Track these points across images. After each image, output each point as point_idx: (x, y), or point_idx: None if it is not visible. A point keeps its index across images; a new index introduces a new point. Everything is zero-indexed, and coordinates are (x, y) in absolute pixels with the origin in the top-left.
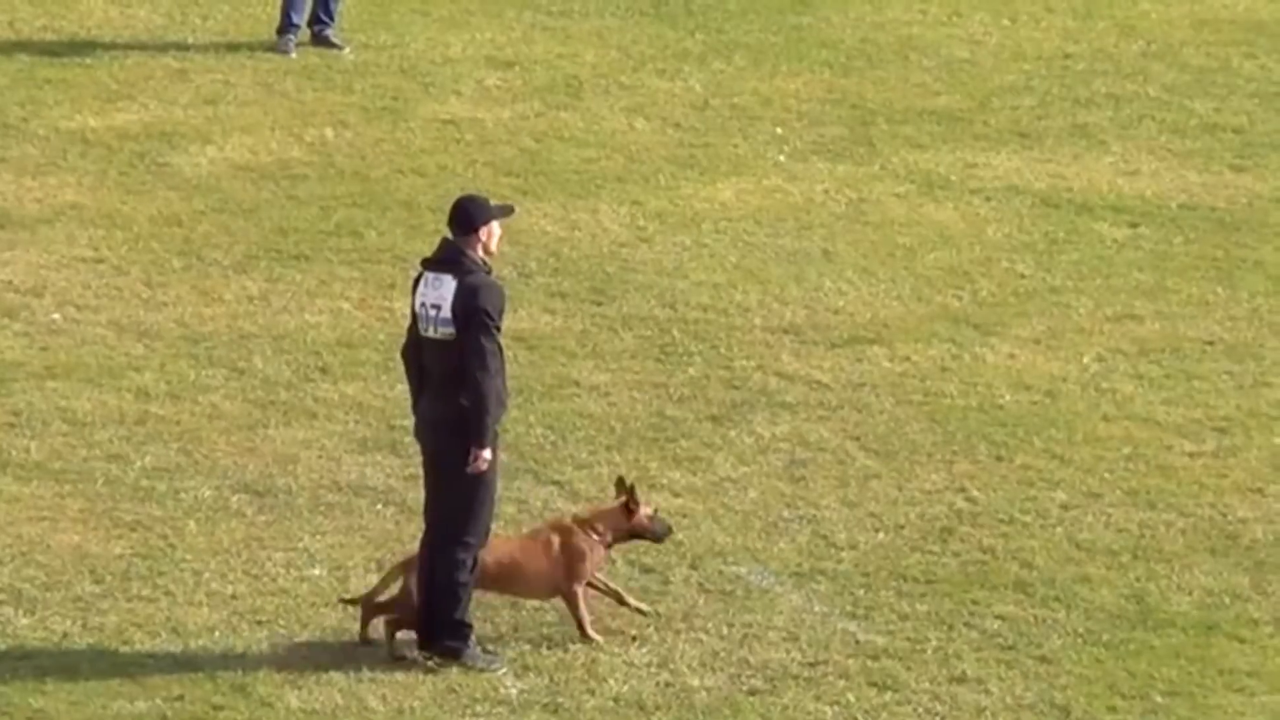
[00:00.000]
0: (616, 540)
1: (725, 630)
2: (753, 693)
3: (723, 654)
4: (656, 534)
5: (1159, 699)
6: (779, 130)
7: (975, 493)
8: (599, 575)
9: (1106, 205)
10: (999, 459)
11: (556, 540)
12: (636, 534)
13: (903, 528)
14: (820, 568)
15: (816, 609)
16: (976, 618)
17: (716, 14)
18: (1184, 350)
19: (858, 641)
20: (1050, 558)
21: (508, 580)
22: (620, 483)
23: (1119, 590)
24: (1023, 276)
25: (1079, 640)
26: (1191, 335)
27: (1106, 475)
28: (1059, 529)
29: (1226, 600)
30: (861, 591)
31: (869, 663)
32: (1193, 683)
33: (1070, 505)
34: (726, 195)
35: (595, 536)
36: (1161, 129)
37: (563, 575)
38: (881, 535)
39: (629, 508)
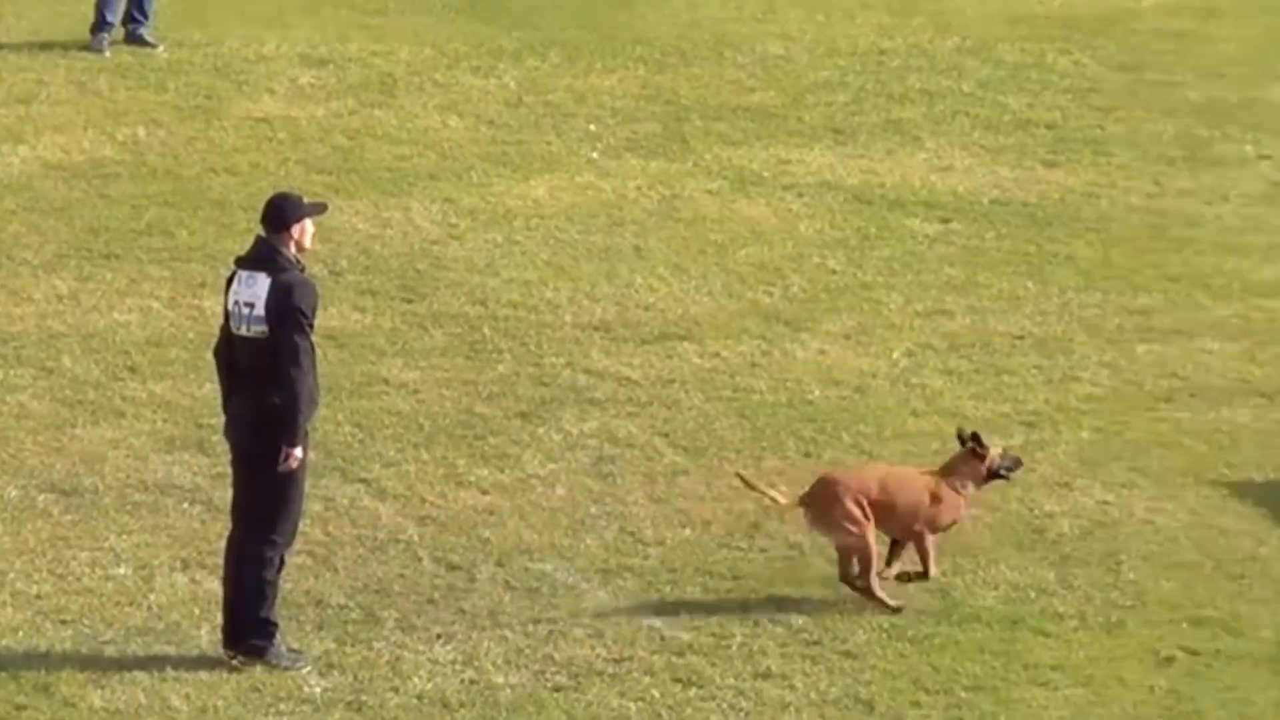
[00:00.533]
0: (976, 489)
1: (530, 627)
2: (557, 689)
3: (527, 651)
4: (1011, 469)
5: (963, 693)
6: (592, 127)
7: (784, 488)
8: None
9: (919, 201)
10: (808, 455)
11: (937, 485)
12: (992, 476)
13: (710, 524)
14: (627, 564)
15: (622, 605)
16: (782, 614)
17: (531, 11)
18: (994, 345)
19: (663, 638)
20: None
21: (881, 511)
22: (961, 432)
23: (924, 585)
24: (834, 272)
25: (884, 635)
26: (1001, 330)
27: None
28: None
29: (1032, 595)
30: (668, 588)
31: (674, 659)
32: (997, 677)
33: None
34: (539, 192)
35: (958, 492)
36: (975, 125)
37: (926, 520)
38: (688, 531)
39: (977, 452)
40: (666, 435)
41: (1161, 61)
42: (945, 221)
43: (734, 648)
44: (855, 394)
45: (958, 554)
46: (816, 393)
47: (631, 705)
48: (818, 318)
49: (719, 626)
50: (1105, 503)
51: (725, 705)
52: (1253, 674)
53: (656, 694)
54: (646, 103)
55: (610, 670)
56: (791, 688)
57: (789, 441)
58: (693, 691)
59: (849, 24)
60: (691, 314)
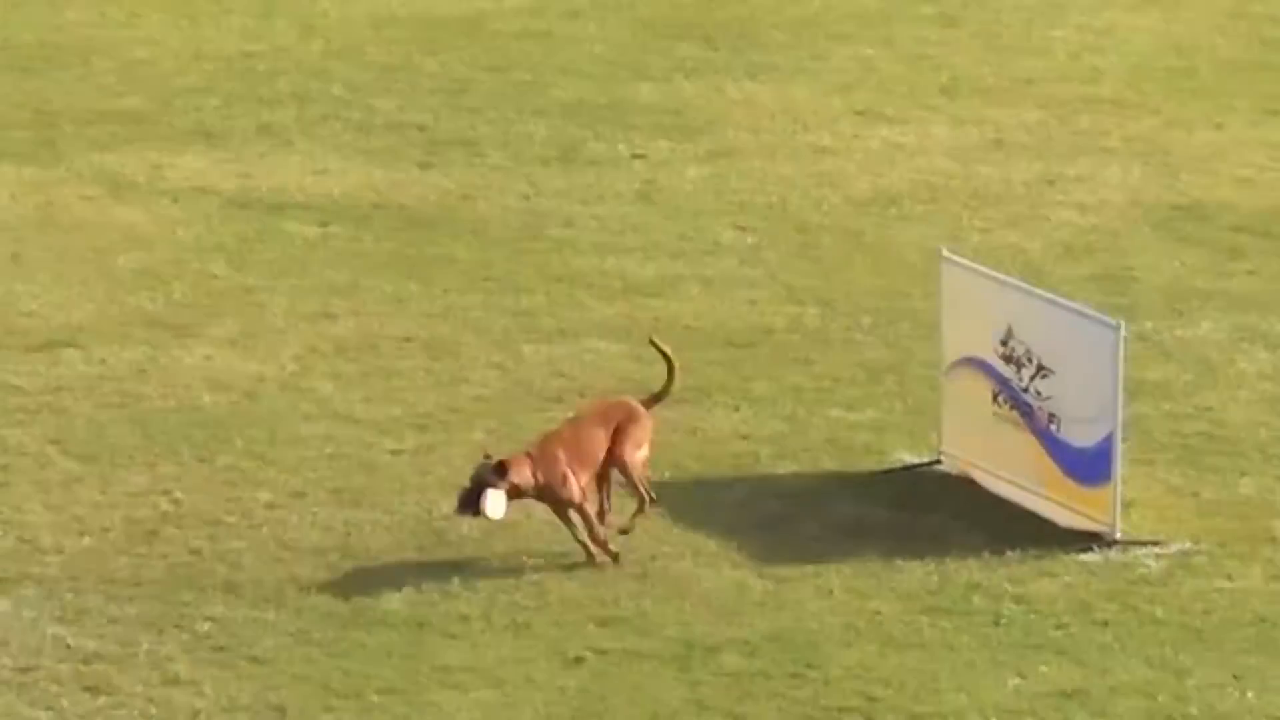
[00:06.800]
0: None
1: None
2: None
3: None
4: None
5: (374, 697)
6: None
7: (179, 494)
8: None
9: (297, 204)
10: (201, 460)
11: None
12: None
13: (109, 530)
14: (27, 572)
15: (25, 614)
16: (187, 619)
17: None
18: (381, 348)
19: (69, 646)
20: (258, 558)
21: None
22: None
23: (328, 589)
24: (216, 277)
25: (291, 640)
26: (387, 333)
27: (310, 474)
28: (265, 529)
29: (436, 597)
30: (70, 595)
31: (81, 667)
32: (407, 680)
33: (275, 505)
34: None
35: None
36: (347, 127)
37: None
38: (87, 539)
39: None
40: (58, 442)
41: (529, 62)
42: (324, 225)
43: (141, 655)
44: (245, 399)
45: (359, 558)
46: (207, 398)
47: (41, 714)
48: (203, 323)
49: (124, 634)
50: None
51: (135, 713)
52: (661, 671)
53: (65, 703)
54: (15, 109)
55: (18, 680)
56: (201, 694)
57: (183, 447)
58: (102, 699)
59: (213, 28)
60: (75, 321)
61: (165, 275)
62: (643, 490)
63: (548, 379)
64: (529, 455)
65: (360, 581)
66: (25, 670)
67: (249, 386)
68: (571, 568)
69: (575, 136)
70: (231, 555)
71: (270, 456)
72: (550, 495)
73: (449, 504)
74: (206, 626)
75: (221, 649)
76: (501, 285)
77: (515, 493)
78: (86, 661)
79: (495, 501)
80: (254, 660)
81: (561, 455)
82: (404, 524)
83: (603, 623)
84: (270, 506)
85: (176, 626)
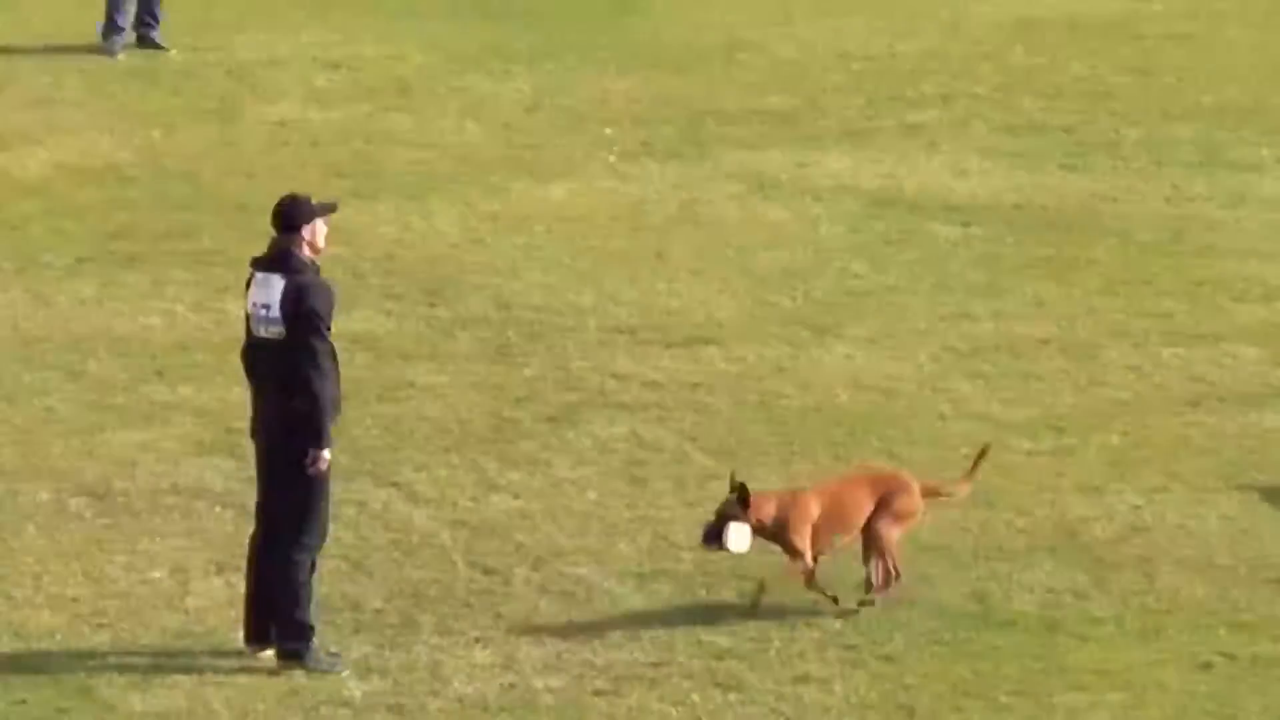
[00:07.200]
0: None
1: (568, 631)
2: (598, 693)
3: (566, 655)
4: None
5: (1003, 698)
6: (609, 131)
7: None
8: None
9: (938, 205)
10: (837, 458)
11: None
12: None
13: None
14: (662, 569)
15: (659, 610)
16: (819, 617)
17: (545, 16)
18: (1019, 349)
19: (701, 642)
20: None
21: None
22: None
23: (961, 590)
24: (857, 276)
25: (922, 640)
26: (1026, 334)
27: (944, 474)
28: None
29: (1068, 599)
30: (703, 592)
31: (713, 663)
32: (1036, 682)
33: None
34: (558, 196)
35: None
36: (991, 128)
37: None
38: None
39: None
40: (695, 439)
41: (1173, 65)
42: (966, 225)
43: (772, 652)
44: (883, 398)
45: (992, 558)
46: (844, 397)
47: (672, 710)
48: (843, 322)
49: (757, 631)
50: (1137, 507)
51: (766, 710)
52: None
53: (696, 698)
54: (661, 106)
55: (650, 675)
56: (830, 692)
57: (818, 446)
58: (732, 696)
59: (862, 28)
60: (715, 318)
61: (806, 274)
62: (889, 563)
63: (1185, 383)
64: (779, 495)
65: (992, 582)
66: (657, 665)
67: (887, 386)
68: (1204, 571)
69: (1219, 140)
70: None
71: (905, 456)
72: (783, 539)
73: (695, 535)
74: (839, 624)
75: (852, 647)
76: (1141, 288)
77: (760, 529)
78: (718, 657)
79: (739, 535)
80: (884, 659)
81: (814, 507)
82: (1038, 525)
83: (1234, 627)
84: None
85: (809, 624)
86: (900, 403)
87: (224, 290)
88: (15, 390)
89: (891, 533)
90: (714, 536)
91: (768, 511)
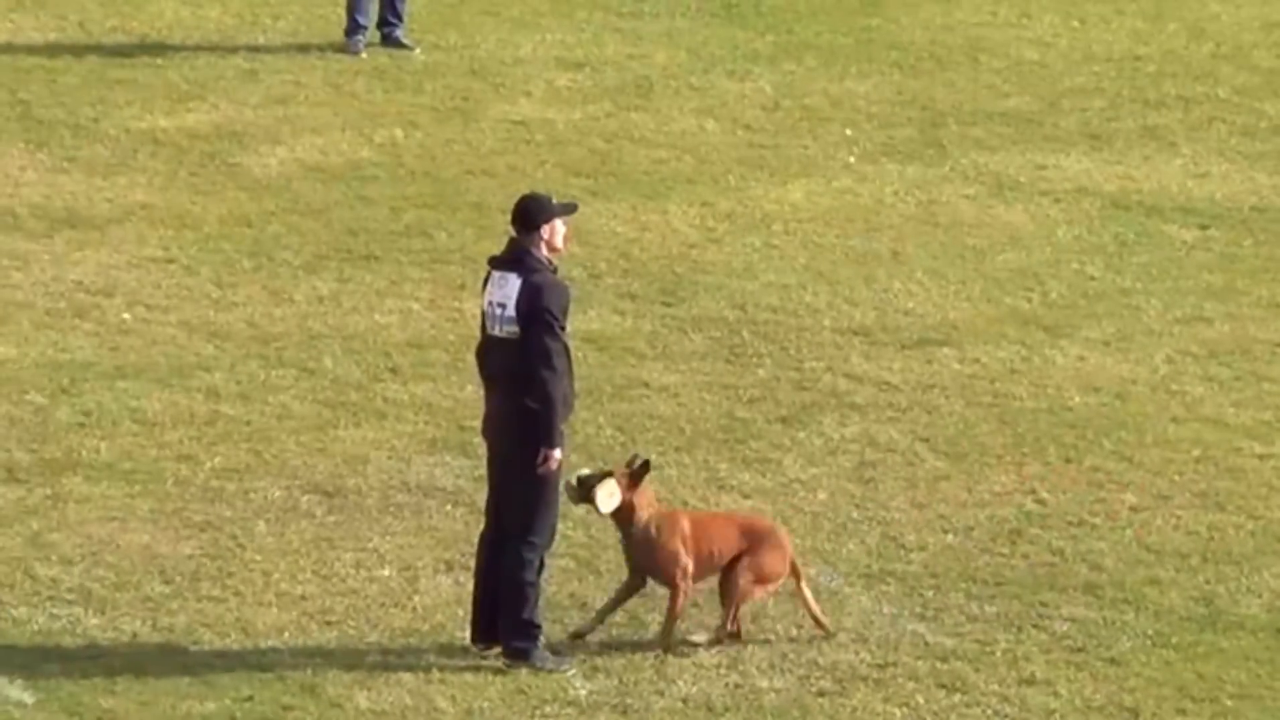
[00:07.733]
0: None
1: (794, 632)
2: (821, 694)
3: (791, 655)
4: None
5: (1229, 702)
6: (849, 132)
7: (1045, 495)
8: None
9: (1176, 207)
10: (1068, 461)
11: None
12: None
13: (972, 529)
14: (889, 569)
15: (885, 610)
16: (1045, 620)
17: (786, 15)
18: (1254, 352)
19: (926, 643)
20: (1119, 560)
21: None
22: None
23: (1188, 593)
24: (1092, 278)
25: (1148, 642)
26: (1261, 337)
27: (1176, 477)
28: (1128, 531)
29: None
30: (930, 593)
31: (938, 664)
32: (1263, 686)
33: (1139, 507)
34: (796, 196)
35: None
36: (1231, 131)
37: None
38: (951, 537)
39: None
40: (927, 440)
41: None
42: (1203, 228)
43: (998, 654)
44: (1115, 400)
45: (1220, 562)
46: (1077, 399)
47: (896, 711)
48: (1077, 324)
49: (982, 632)
50: None
51: (990, 712)
52: None
53: (920, 700)
54: (902, 107)
55: (874, 676)
56: (1056, 694)
57: (1050, 448)
58: (957, 698)
59: (1103, 29)
60: (950, 319)
61: (1042, 275)
62: (731, 618)
63: None
64: (665, 506)
65: (1220, 585)
66: (882, 666)
67: (1119, 388)
68: None
69: None
70: (1093, 556)
71: (1137, 459)
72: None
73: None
74: (1065, 627)
75: (1078, 650)
76: None
77: (628, 514)
78: (943, 659)
79: (608, 495)
80: (1110, 662)
81: (685, 526)
82: (1268, 528)
83: None
84: (1135, 509)
85: (1035, 626)
86: (1132, 405)
87: (460, 288)
88: (251, 388)
89: (749, 588)
90: (586, 489)
91: (644, 506)
